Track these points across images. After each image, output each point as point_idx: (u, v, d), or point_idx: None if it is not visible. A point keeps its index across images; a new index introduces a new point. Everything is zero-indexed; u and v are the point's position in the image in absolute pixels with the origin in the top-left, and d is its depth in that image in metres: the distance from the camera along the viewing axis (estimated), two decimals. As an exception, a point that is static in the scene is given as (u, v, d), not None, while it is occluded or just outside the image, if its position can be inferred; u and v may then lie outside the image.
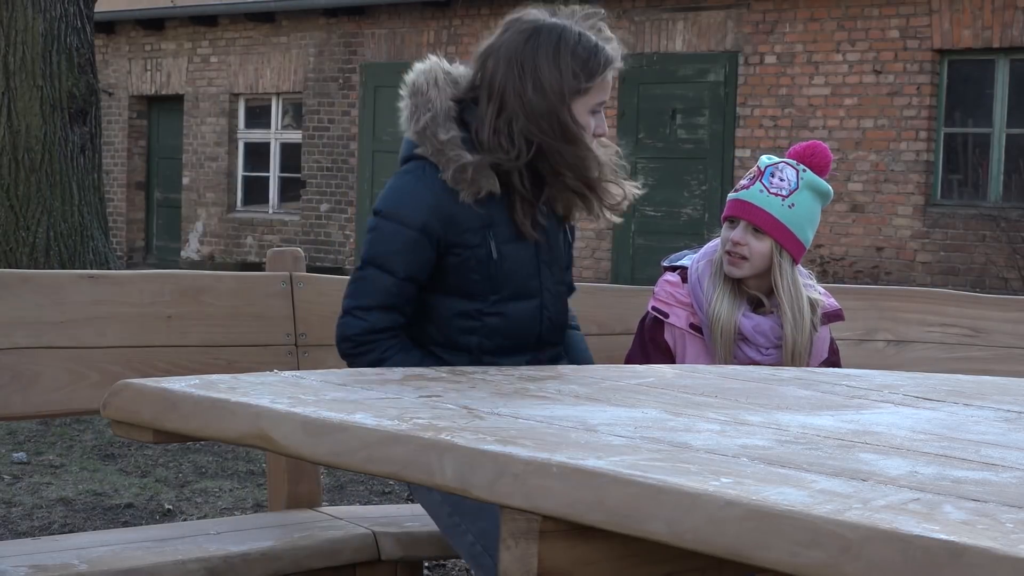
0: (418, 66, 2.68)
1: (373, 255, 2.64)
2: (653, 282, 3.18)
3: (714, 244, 3.08)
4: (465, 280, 2.65)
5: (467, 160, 2.57)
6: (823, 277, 11.15)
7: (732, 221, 3.01)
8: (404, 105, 2.66)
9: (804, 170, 3.01)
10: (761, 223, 2.97)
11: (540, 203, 2.70)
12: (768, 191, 2.98)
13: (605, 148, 2.75)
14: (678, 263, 3.12)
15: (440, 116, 2.59)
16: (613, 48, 2.66)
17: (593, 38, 2.64)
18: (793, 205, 2.98)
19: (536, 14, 2.66)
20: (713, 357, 3.01)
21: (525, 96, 2.58)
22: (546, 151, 2.61)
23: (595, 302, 3.33)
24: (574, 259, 2.97)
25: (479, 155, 2.58)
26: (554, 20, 2.65)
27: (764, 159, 3.05)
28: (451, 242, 2.62)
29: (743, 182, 3.04)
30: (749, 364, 3.00)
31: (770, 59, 12.39)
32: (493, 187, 2.59)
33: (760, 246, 2.98)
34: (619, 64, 2.68)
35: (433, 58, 2.70)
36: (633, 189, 2.82)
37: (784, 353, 2.99)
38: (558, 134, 2.60)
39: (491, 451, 1.44)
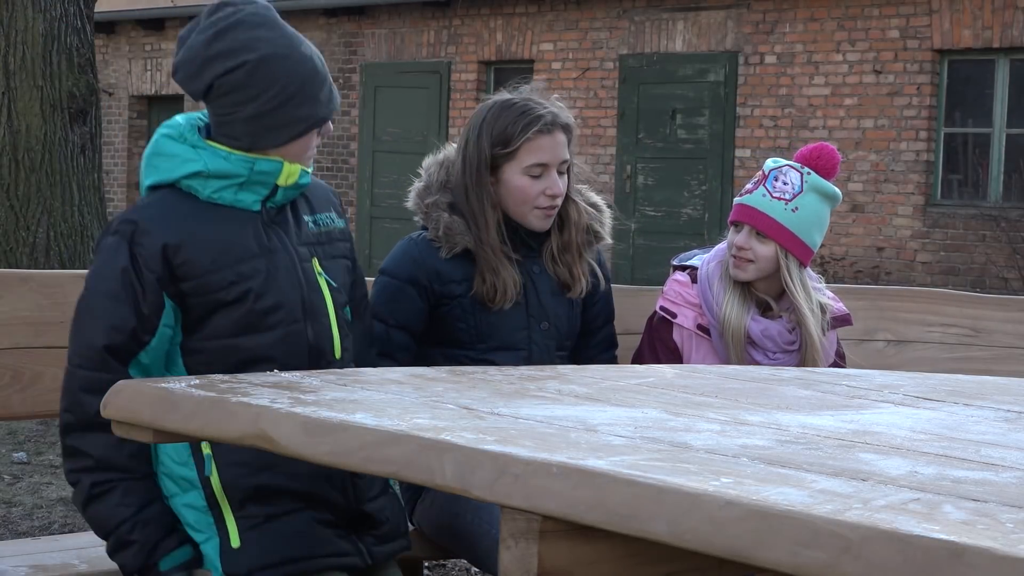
0: (436, 153, 2.96)
1: (373, 306, 2.81)
2: (653, 282, 3.18)
3: (725, 245, 3.07)
4: (454, 329, 2.85)
5: (443, 219, 2.83)
6: (823, 277, 11.09)
7: (737, 225, 3.01)
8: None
9: (808, 173, 3.00)
10: (764, 227, 2.96)
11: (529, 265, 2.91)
12: (771, 195, 2.98)
13: (599, 212, 2.98)
14: (688, 262, 3.12)
15: (433, 186, 2.89)
16: (548, 113, 2.84)
17: (529, 106, 2.84)
18: (797, 209, 2.97)
19: (499, 93, 2.93)
20: (721, 358, 3.00)
21: (456, 170, 2.87)
22: (467, 223, 2.84)
23: (595, 302, 3.32)
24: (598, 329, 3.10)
25: (455, 216, 2.84)
26: (504, 95, 2.89)
27: (769, 162, 3.05)
28: (439, 293, 2.84)
29: (748, 186, 3.04)
30: None
31: (770, 59, 12.39)
32: (468, 243, 2.83)
33: (764, 250, 2.97)
34: (557, 126, 2.84)
35: (450, 146, 2.95)
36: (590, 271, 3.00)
37: (808, 352, 2.98)
38: (467, 209, 2.84)
39: (491, 451, 1.44)
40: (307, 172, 2.44)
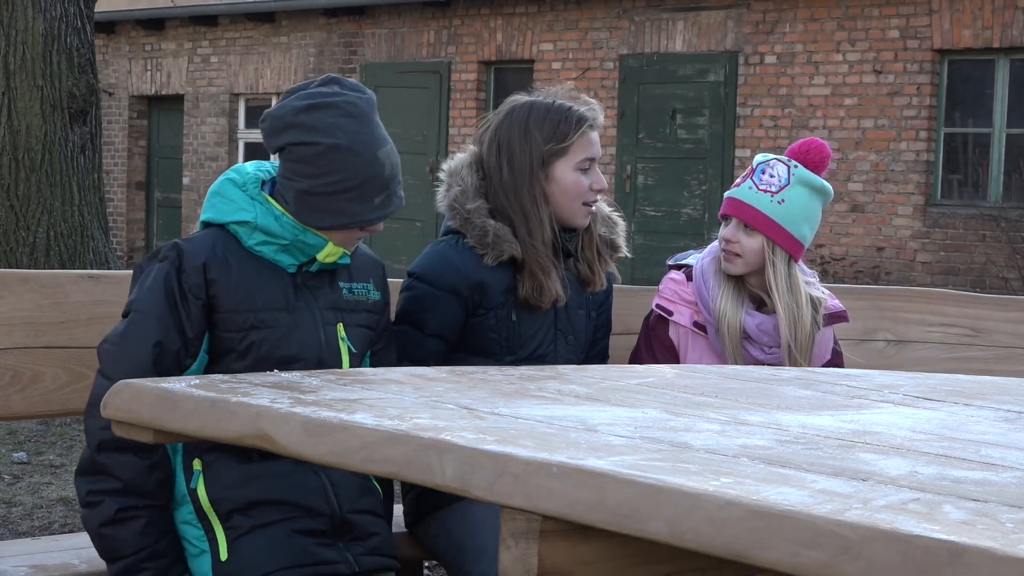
0: (458, 155, 2.92)
1: (406, 312, 2.83)
2: (653, 282, 3.19)
3: (718, 242, 3.09)
4: (485, 339, 2.82)
5: (489, 226, 2.78)
6: (823, 277, 11.08)
7: (726, 219, 3.04)
8: (442, 187, 2.89)
9: (796, 166, 3.02)
10: (749, 219, 2.98)
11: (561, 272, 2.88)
12: (757, 187, 3.00)
13: (614, 225, 2.98)
14: (683, 262, 3.13)
15: (469, 191, 2.83)
16: (589, 109, 2.87)
17: (566, 103, 2.85)
18: (783, 201, 2.98)
19: (516, 96, 2.91)
20: (718, 355, 3.01)
21: (503, 174, 2.82)
22: (515, 226, 2.81)
23: (595, 302, 3.32)
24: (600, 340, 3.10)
25: (501, 222, 2.80)
26: (527, 97, 2.88)
27: (758, 157, 3.08)
28: (477, 303, 2.80)
29: (737, 180, 3.07)
30: (753, 364, 3.00)
31: (770, 59, 12.39)
32: (515, 251, 2.79)
33: (751, 243, 2.99)
34: (599, 123, 2.88)
35: (473, 147, 2.92)
36: (611, 270, 3.04)
37: (782, 351, 3.00)
38: (517, 211, 2.81)
39: (491, 451, 1.43)
40: (347, 254, 2.53)
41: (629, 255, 3.06)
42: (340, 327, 2.52)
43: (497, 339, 2.82)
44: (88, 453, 2.39)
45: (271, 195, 2.49)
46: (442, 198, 2.88)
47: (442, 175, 2.91)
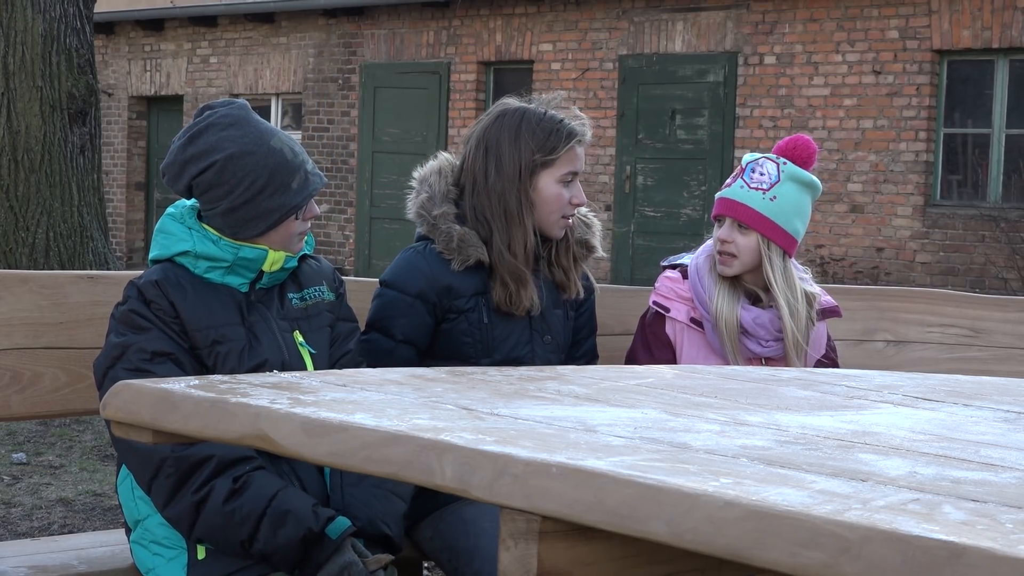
0: (429, 162, 2.93)
1: (375, 319, 2.85)
2: (653, 283, 3.21)
3: (712, 241, 3.12)
4: (459, 343, 2.83)
5: (455, 231, 2.80)
6: (823, 277, 11.16)
7: (719, 220, 3.06)
8: (412, 194, 2.90)
9: (785, 163, 3.05)
10: (744, 218, 3.01)
11: (538, 275, 2.90)
12: (749, 186, 3.03)
13: (589, 226, 2.99)
14: (677, 262, 3.16)
15: (437, 197, 2.85)
16: (580, 124, 2.89)
17: (558, 115, 2.87)
18: (775, 198, 3.01)
19: (508, 100, 2.92)
20: (714, 351, 3.04)
21: (489, 176, 2.82)
22: (493, 231, 2.82)
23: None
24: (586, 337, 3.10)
25: (467, 227, 2.82)
26: (519, 103, 2.89)
27: (747, 156, 3.11)
28: (447, 307, 2.82)
29: (727, 180, 3.10)
30: (751, 357, 3.03)
31: (770, 59, 12.39)
32: (481, 255, 2.81)
33: (746, 241, 3.01)
34: (587, 138, 2.89)
35: (444, 154, 2.94)
36: (583, 276, 3.03)
37: (786, 344, 3.02)
38: (499, 215, 2.82)
39: (491, 451, 1.43)
40: (293, 257, 2.56)
41: (604, 255, 3.07)
42: (297, 334, 2.57)
43: (471, 343, 2.83)
44: (177, 460, 2.35)
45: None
46: (411, 205, 2.90)
47: (413, 182, 2.92)
